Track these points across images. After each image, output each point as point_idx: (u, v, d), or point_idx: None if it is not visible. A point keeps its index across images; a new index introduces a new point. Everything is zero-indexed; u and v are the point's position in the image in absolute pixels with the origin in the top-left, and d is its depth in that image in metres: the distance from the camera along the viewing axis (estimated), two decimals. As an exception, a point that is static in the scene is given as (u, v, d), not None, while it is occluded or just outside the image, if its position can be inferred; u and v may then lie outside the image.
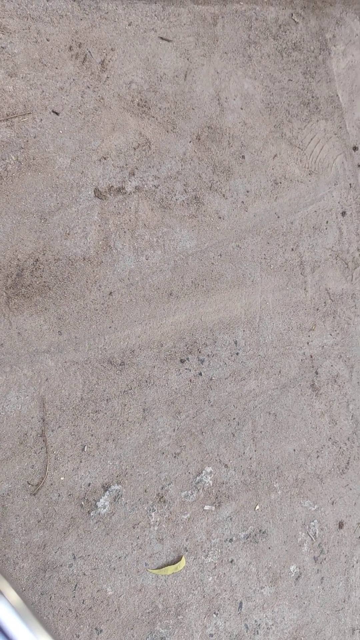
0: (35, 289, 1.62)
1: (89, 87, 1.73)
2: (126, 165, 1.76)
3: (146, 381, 1.73)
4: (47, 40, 1.68)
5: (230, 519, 1.80)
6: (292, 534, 1.88)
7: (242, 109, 1.95)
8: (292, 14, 2.09)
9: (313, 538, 1.91)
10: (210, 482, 1.78)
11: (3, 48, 1.62)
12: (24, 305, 1.61)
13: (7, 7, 1.63)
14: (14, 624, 0.31)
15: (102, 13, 1.76)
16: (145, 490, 1.70)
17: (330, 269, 2.04)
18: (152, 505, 1.70)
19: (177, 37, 1.86)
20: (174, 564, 1.71)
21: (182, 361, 1.78)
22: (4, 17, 1.63)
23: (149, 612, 1.66)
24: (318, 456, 1.95)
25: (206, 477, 1.78)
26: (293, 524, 1.88)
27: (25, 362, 1.60)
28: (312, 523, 1.91)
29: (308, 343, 1.98)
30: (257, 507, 1.84)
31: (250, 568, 1.80)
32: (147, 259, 1.76)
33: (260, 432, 1.86)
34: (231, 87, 1.94)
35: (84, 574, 1.60)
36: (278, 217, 1.97)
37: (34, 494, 1.57)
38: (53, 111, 1.68)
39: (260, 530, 1.83)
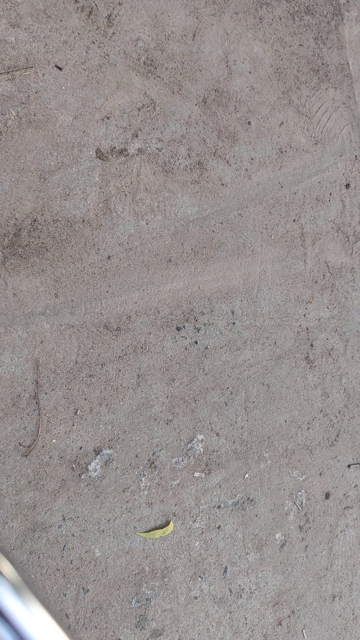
0: (33, 249, 1.60)
1: (94, 43, 1.67)
2: (129, 126, 1.72)
3: (141, 347, 1.72)
4: (52, -10, 1.62)
5: (220, 486, 1.82)
6: (279, 503, 1.90)
7: (250, 72, 1.89)
8: (306, -25, 2.02)
9: (299, 507, 1.94)
10: (201, 449, 1.79)
11: (6, -4, 1.56)
12: (21, 265, 1.59)
13: None
14: (8, 599, 0.31)
15: (110, -36, 1.68)
16: (137, 456, 1.71)
17: (331, 242, 2.02)
18: (143, 470, 1.72)
19: (187, -7, 1.79)
20: (162, 528, 1.73)
21: (178, 329, 1.77)
22: None
23: (135, 574, 1.69)
24: (309, 428, 1.96)
25: (197, 444, 1.79)
26: (281, 493, 1.91)
27: (20, 324, 1.58)
28: (300, 493, 1.94)
29: (305, 315, 1.97)
30: (246, 476, 1.85)
31: (236, 534, 1.83)
32: (147, 224, 1.74)
33: (253, 402, 1.87)
34: (240, 50, 1.88)
35: (73, 535, 1.62)
36: (281, 186, 1.94)
37: (26, 455, 1.58)
38: (56, 66, 1.62)
39: (248, 498, 1.85)
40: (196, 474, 1.78)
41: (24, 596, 0.31)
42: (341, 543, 2.00)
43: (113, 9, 1.69)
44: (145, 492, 1.72)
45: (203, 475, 1.79)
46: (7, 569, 0.31)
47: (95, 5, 1.67)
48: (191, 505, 1.77)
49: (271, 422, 1.90)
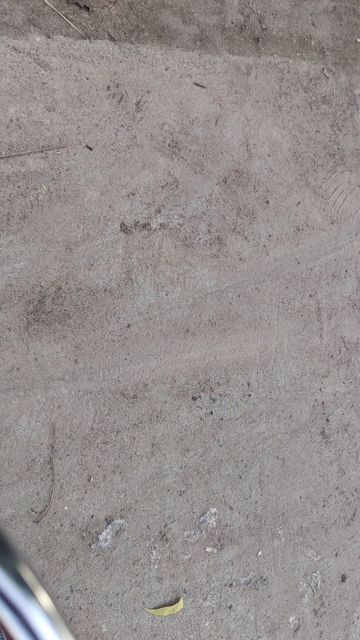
0: (56, 316, 1.65)
1: (123, 126, 1.79)
2: (153, 202, 1.80)
3: (157, 416, 1.73)
4: (87, 79, 1.75)
5: (232, 563, 1.77)
6: (293, 584, 1.84)
7: (269, 156, 1.99)
8: (323, 69, 2.16)
9: (314, 589, 1.87)
10: (214, 523, 1.76)
11: (44, 84, 1.68)
12: (43, 331, 1.63)
13: (52, 45, 1.70)
14: (45, 629, 0.33)
15: (141, 57, 1.82)
16: (148, 527, 1.69)
17: (347, 318, 2.05)
18: (154, 543, 1.69)
19: (211, 83, 1.92)
20: (171, 604, 1.68)
21: (194, 399, 1.78)
22: (47, 55, 1.70)
23: (142, 654, 1.62)
24: (324, 505, 1.92)
25: (210, 518, 1.76)
26: (295, 574, 1.85)
27: (40, 388, 1.61)
28: (315, 574, 1.88)
29: (320, 390, 1.97)
30: (260, 553, 1.81)
31: (248, 616, 1.76)
32: (166, 295, 1.79)
33: (268, 476, 1.85)
34: (260, 135, 1.99)
35: (80, 608, 1.58)
36: (298, 262, 1.99)
37: (37, 522, 1.56)
38: (87, 146, 1.73)
39: (261, 577, 1.80)
40: (208, 549, 1.74)
41: (58, 627, 0.33)
42: (358, 630, 1.91)
43: (142, 96, 1.82)
44: (156, 566, 1.68)
45: (215, 550, 1.75)
46: (46, 601, 0.33)
47: (126, 92, 1.79)
48: (202, 582, 1.72)
49: (286, 498, 1.87)
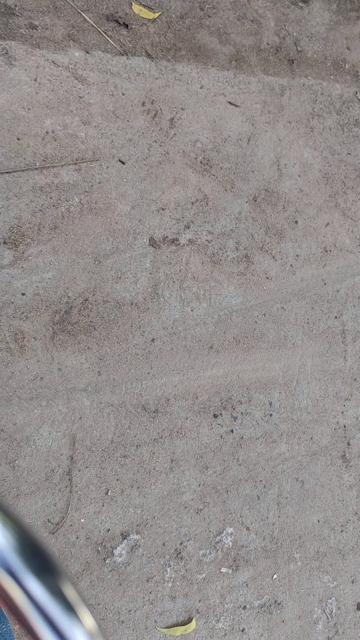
0: (81, 327, 1.65)
1: (156, 142, 1.80)
2: (182, 218, 1.81)
3: (177, 432, 1.72)
4: (123, 94, 1.77)
5: (246, 585, 1.74)
6: (307, 609, 1.81)
7: (299, 176, 2.00)
8: (356, 92, 2.16)
9: (329, 616, 1.83)
10: (230, 543, 1.74)
11: (81, 97, 1.71)
12: (68, 342, 1.64)
13: (90, 61, 1.73)
14: None
15: (176, 74, 1.84)
16: (164, 544, 1.67)
17: (372, 341, 2.03)
18: (169, 560, 1.67)
19: (244, 103, 1.94)
20: (183, 624, 1.65)
21: (215, 416, 1.77)
22: (85, 70, 1.72)
23: (153, 673, 1.60)
24: (342, 530, 1.89)
25: (226, 537, 1.74)
26: (310, 599, 1.82)
27: (62, 398, 1.61)
28: (330, 600, 1.84)
29: (343, 412, 1.95)
30: (275, 576, 1.78)
31: (261, 640, 1.73)
32: (192, 311, 1.79)
33: (286, 498, 1.82)
34: (291, 155, 1.99)
35: (92, 623, 1.56)
36: (325, 283, 1.98)
37: (53, 533, 1.56)
38: (120, 160, 1.75)
39: (275, 601, 1.77)
40: (223, 570, 1.72)
41: None
42: (372, 662, 1.87)
43: (176, 113, 1.83)
44: (170, 584, 1.66)
45: (230, 571, 1.73)
46: (89, 621, 0.33)
47: (160, 109, 1.81)
48: (215, 603, 1.70)
49: (303, 521, 1.84)
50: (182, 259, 1.80)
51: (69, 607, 0.32)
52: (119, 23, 1.79)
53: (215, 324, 1.81)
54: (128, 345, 1.70)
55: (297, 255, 1.96)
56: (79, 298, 1.66)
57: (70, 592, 0.33)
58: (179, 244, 1.80)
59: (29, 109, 1.65)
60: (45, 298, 1.62)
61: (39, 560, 0.33)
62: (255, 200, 1.92)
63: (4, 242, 1.59)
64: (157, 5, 1.87)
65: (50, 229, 1.64)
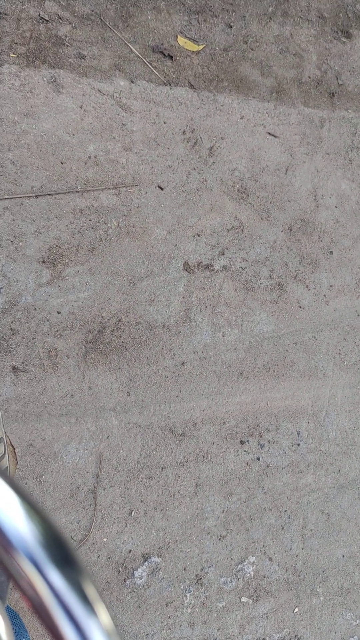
0: (113, 347, 1.68)
1: (194, 169, 1.84)
2: (217, 244, 1.84)
3: (203, 456, 1.73)
4: (164, 122, 1.82)
5: (267, 616, 1.71)
6: (329, 647, 1.77)
7: (336, 207, 2.01)
8: None
9: (351, 657, 1.78)
10: (252, 572, 1.72)
11: (124, 125, 1.76)
12: (100, 361, 1.67)
13: (134, 90, 1.79)
14: None
15: (218, 105, 1.89)
16: (185, 569, 1.66)
17: None
18: (189, 586, 1.66)
19: (284, 134, 1.97)
20: (201, 653, 1.63)
21: (242, 442, 1.77)
22: (129, 99, 1.78)
23: None
24: (368, 568, 1.85)
25: (248, 566, 1.72)
26: (331, 636, 1.77)
27: (91, 417, 1.64)
28: (352, 639, 1.80)
29: (372, 446, 1.92)
30: (296, 610, 1.75)
31: (279, 675, 1.70)
32: (223, 336, 1.80)
33: (311, 530, 1.80)
34: (329, 186, 2.01)
35: (110, 644, 1.56)
36: (358, 315, 1.98)
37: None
38: (158, 186, 1.79)
39: (295, 636, 1.73)
40: (243, 599, 1.70)
41: None
42: None
43: (215, 142, 1.87)
44: (189, 610, 1.65)
45: (251, 601, 1.71)
46: (106, 619, 0.34)
47: (200, 138, 1.85)
48: (234, 633, 1.67)
49: (328, 555, 1.81)
50: (215, 285, 1.82)
51: (87, 602, 0.34)
52: (164, 54, 1.85)
53: (246, 350, 1.82)
54: (158, 368, 1.72)
55: (331, 286, 1.96)
56: (112, 318, 1.69)
57: (90, 588, 0.35)
58: (213, 270, 1.82)
59: (73, 135, 1.71)
60: (79, 317, 1.66)
61: (62, 554, 0.34)
62: (291, 230, 1.94)
63: (43, 262, 1.64)
64: (201, 38, 1.92)
65: (87, 250, 1.68)
